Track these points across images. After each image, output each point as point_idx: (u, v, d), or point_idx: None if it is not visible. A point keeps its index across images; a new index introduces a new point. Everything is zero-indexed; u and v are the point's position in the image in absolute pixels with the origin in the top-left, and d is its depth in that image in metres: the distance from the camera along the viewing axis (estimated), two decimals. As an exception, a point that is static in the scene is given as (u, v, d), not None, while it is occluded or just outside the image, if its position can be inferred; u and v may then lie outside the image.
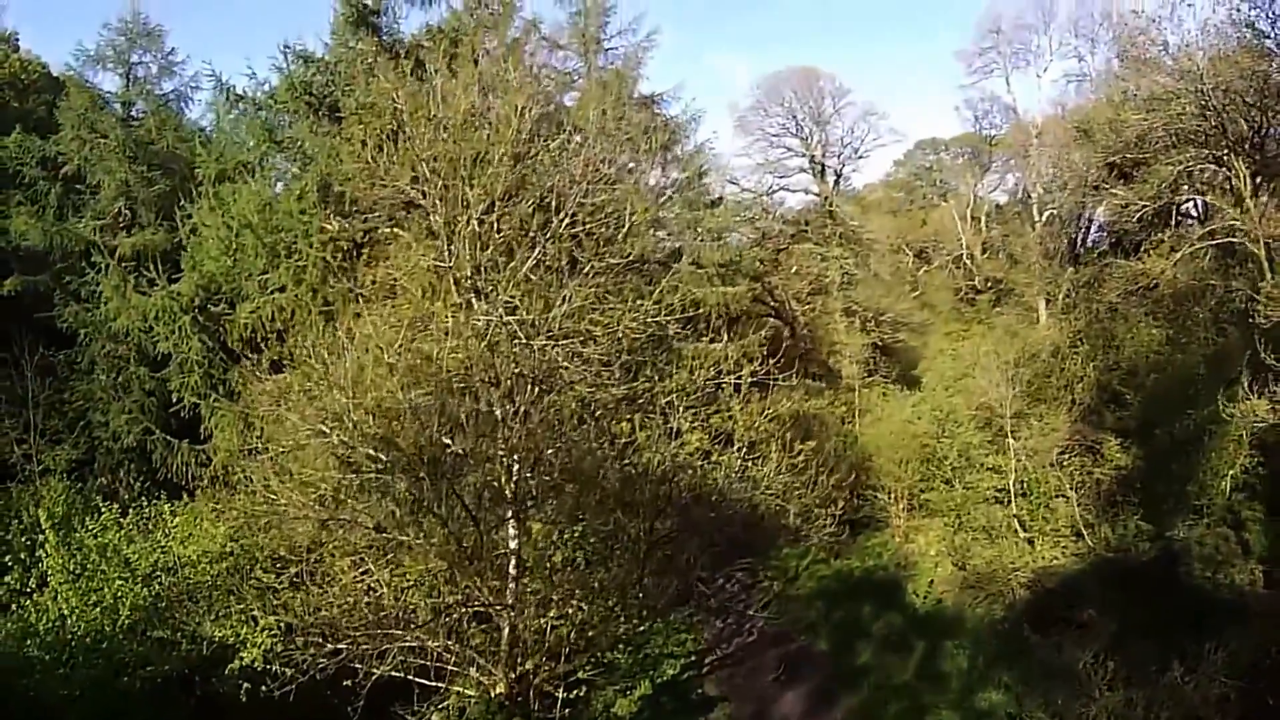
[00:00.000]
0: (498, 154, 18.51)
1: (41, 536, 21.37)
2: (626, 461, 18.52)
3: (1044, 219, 49.47)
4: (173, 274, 28.92)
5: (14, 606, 20.54)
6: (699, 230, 35.38)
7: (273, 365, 26.30)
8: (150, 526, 23.05)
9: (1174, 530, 32.30)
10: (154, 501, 23.83)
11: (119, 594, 20.88)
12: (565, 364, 17.33)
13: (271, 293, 25.54)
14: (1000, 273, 53.76)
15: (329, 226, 25.74)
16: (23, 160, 31.71)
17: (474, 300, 18.76)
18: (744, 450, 19.29)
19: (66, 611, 20.32)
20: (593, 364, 17.46)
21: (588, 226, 19.29)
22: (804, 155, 55.79)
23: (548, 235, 19.02)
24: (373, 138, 22.16)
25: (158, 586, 21.43)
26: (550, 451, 18.41)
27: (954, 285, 56.60)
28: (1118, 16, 47.35)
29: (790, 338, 45.16)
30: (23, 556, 21.43)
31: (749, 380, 19.71)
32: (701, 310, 33.05)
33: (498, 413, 17.90)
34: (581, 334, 17.74)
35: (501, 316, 17.61)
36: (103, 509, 22.70)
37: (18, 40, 40.99)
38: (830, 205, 51.99)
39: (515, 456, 18.28)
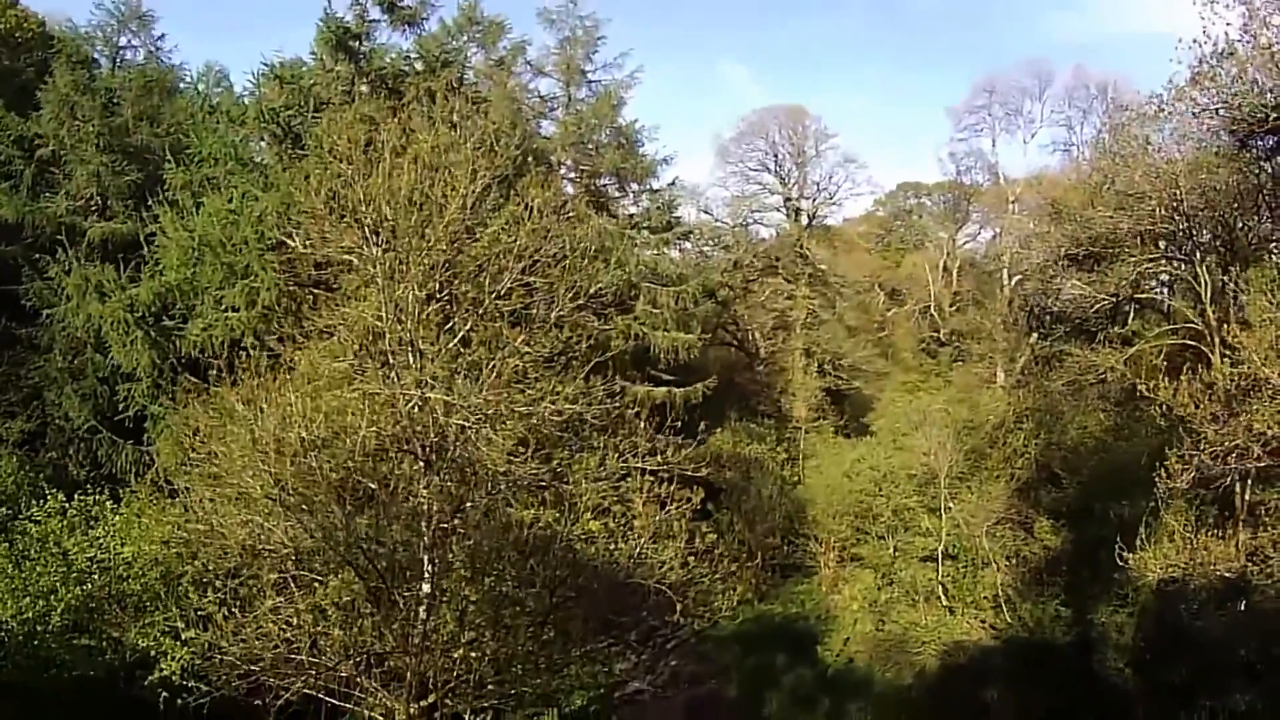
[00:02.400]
0: (440, 228, 19.05)
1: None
2: (529, 535, 19.20)
3: (1014, 282, 50.13)
4: (136, 270, 29.33)
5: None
6: (658, 273, 35.79)
7: (216, 381, 26.96)
8: (91, 518, 23.56)
9: (1095, 615, 32.93)
10: (98, 492, 24.28)
11: (53, 590, 21.48)
12: (478, 445, 17.97)
13: (225, 310, 26.01)
14: (966, 328, 54.41)
15: (290, 242, 26.17)
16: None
17: (406, 362, 19.32)
18: (644, 539, 20.01)
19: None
20: (506, 446, 18.11)
21: (523, 304, 19.89)
22: (779, 194, 56.29)
23: (481, 311, 19.61)
24: (326, 185, 22.55)
25: (90, 585, 22.05)
26: (457, 521, 19.11)
27: (919, 335, 57.27)
28: (1114, 90, 48.09)
29: (748, 370, 45.90)
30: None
31: (657, 467, 20.38)
32: (651, 353, 33.80)
33: (414, 485, 18.58)
34: (499, 416, 18.35)
35: (423, 391, 18.21)
36: (48, 494, 23.07)
37: (15, -5, 40.93)
38: (801, 245, 52.43)
39: (428, 519, 18.97)
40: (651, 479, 20.71)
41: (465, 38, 32.46)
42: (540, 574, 19.17)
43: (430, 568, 19.61)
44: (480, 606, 21.98)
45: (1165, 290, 40.77)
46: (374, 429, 18.30)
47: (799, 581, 39.77)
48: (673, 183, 39.18)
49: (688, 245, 41.87)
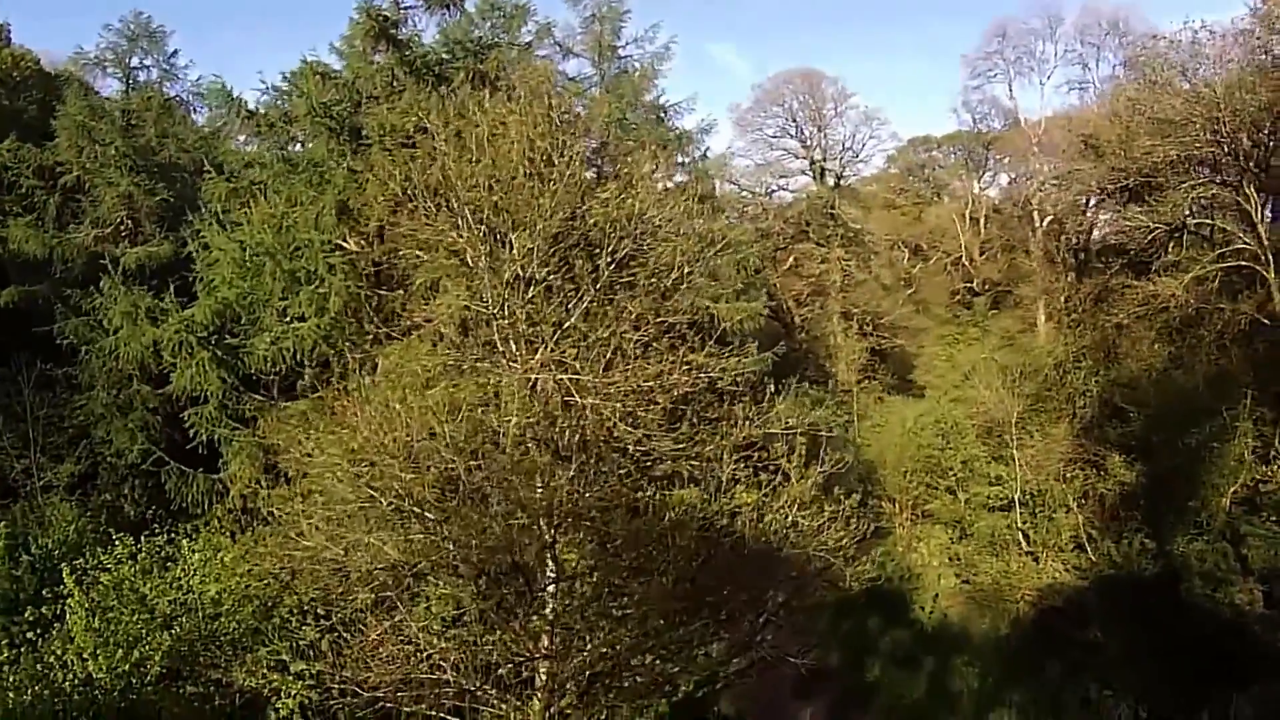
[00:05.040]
0: (549, 203, 17.99)
1: (60, 578, 20.60)
2: (668, 517, 18.23)
3: (1045, 224, 49.63)
4: (179, 290, 28.09)
5: (25, 650, 19.84)
6: (712, 242, 34.63)
7: (289, 395, 25.80)
8: (166, 560, 22.41)
9: (1174, 546, 32.81)
10: (166, 529, 23.09)
11: (139, 637, 20.25)
12: (623, 425, 16.93)
13: (291, 322, 24.80)
14: (999, 274, 53.88)
15: (348, 245, 25.07)
16: (18, 170, 30.64)
17: (519, 352, 18.29)
18: (794, 505, 19.03)
19: (88, 657, 19.66)
20: (651, 425, 17.10)
21: (637, 276, 18.87)
22: (803, 158, 55.57)
23: (596, 284, 18.59)
24: (401, 169, 21.46)
25: (178, 630, 20.84)
26: (596, 512, 18.07)
27: (951, 287, 56.70)
28: (1125, 24, 47.66)
29: (787, 339, 45.01)
30: (45, 592, 20.65)
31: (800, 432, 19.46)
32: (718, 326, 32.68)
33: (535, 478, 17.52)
34: (638, 394, 17.33)
35: (554, 374, 17.18)
36: (115, 538, 22.01)
37: (9, 34, 39.45)
38: (831, 206, 51.62)
39: (556, 514, 17.93)
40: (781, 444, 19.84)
41: (489, 25, 31.24)
42: (675, 559, 18.23)
43: (553, 566, 18.62)
44: (606, 602, 21.07)
45: (1214, 215, 40.33)
46: (494, 418, 17.30)
47: (873, 544, 39.00)
48: (704, 154, 38.13)
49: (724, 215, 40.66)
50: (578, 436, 17.36)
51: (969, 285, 55.84)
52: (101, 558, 20.99)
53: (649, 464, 18.76)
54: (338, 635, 18.57)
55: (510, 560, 17.83)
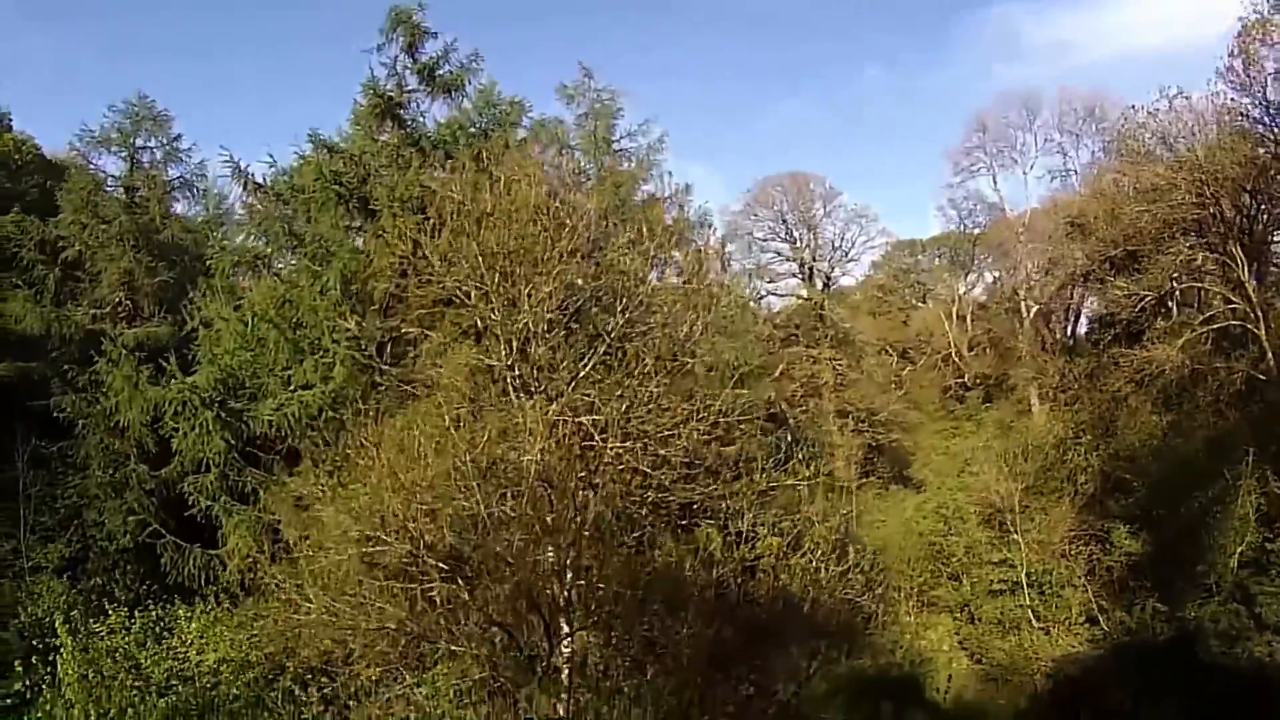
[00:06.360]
0: (565, 250, 18.10)
1: (52, 640, 19.89)
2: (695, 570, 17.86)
3: (1032, 313, 50.30)
4: (180, 367, 27.88)
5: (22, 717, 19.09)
6: (710, 330, 34.80)
7: (290, 466, 25.35)
8: (162, 632, 21.72)
9: (1186, 611, 32.55)
10: (160, 604, 22.45)
11: (131, 704, 19.45)
12: (644, 467, 16.71)
13: (296, 390, 24.59)
14: (989, 368, 54.32)
15: (349, 326, 25.02)
16: (20, 242, 30.63)
17: (535, 398, 18.14)
18: (817, 552, 18.72)
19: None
20: (674, 466, 16.90)
21: (648, 328, 18.93)
22: (793, 260, 56.36)
23: (611, 334, 18.61)
24: (410, 232, 21.65)
25: (174, 698, 20.07)
26: (614, 559, 17.68)
27: (942, 383, 57.06)
28: (1101, 110, 49.25)
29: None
30: (34, 660, 19.94)
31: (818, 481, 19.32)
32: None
33: (549, 519, 17.18)
34: (658, 434, 17.18)
35: (575, 415, 17.01)
36: (109, 610, 21.36)
37: (10, 121, 40.18)
38: (820, 308, 52.22)
39: (569, 563, 17.53)
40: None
41: (485, 120, 31.94)
42: (692, 620, 17.80)
43: (567, 634, 18.10)
44: (620, 679, 20.48)
45: (1202, 278, 41.07)
46: (514, 455, 17.05)
47: (880, 634, 38.35)
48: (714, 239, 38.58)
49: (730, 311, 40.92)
50: (598, 480, 17.15)
51: (961, 380, 56.21)
52: (94, 627, 20.51)
53: (668, 512, 18.55)
54: (343, 704, 18.03)
55: (522, 626, 17.41)
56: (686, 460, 17.36)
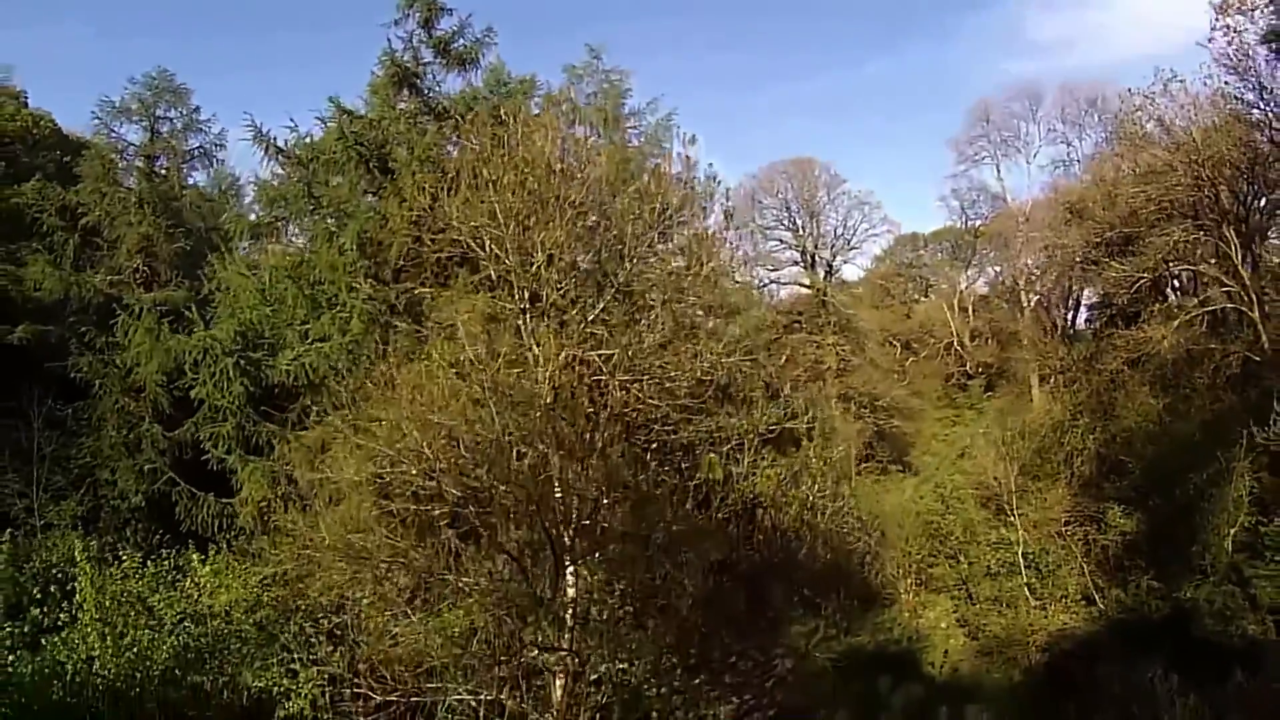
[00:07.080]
0: (577, 200, 18.68)
1: (73, 571, 20.30)
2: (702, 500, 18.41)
3: (1033, 302, 50.82)
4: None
5: (43, 643, 19.48)
6: (714, 305, 35.34)
7: (301, 422, 25.88)
8: (174, 578, 22.13)
9: (1181, 590, 32.86)
10: (174, 551, 22.86)
11: (146, 642, 19.90)
12: (653, 400, 17.24)
13: (313, 343, 25.17)
14: (991, 358, 54.78)
15: (365, 289, 25.56)
16: (41, 208, 31.12)
17: (548, 334, 18.66)
18: (814, 487, 19.26)
19: (97, 653, 19.30)
20: (678, 400, 17.43)
21: (656, 273, 19.49)
22: (796, 248, 56.75)
23: (620, 280, 19.17)
24: (429, 190, 22.23)
25: (185, 636, 20.50)
26: (617, 494, 18.19)
27: (945, 372, 57.50)
28: (1103, 102, 49.83)
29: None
30: (53, 590, 20.36)
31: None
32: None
33: (554, 460, 17.67)
34: (664, 370, 17.72)
35: (585, 349, 17.55)
36: (123, 557, 21.82)
37: (26, 97, 40.85)
38: (823, 296, 52.67)
39: (577, 501, 18.01)
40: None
41: (497, 96, 32.52)
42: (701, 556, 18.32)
43: (572, 576, 18.58)
44: (622, 628, 20.93)
45: (1195, 262, 41.54)
46: (527, 383, 17.58)
47: (879, 612, 38.77)
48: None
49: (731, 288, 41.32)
50: (606, 413, 17.67)
51: (963, 369, 56.68)
52: (110, 570, 20.84)
53: (672, 452, 19.06)
54: (353, 639, 18.51)
55: (529, 561, 17.92)
56: (689, 392, 17.87)
